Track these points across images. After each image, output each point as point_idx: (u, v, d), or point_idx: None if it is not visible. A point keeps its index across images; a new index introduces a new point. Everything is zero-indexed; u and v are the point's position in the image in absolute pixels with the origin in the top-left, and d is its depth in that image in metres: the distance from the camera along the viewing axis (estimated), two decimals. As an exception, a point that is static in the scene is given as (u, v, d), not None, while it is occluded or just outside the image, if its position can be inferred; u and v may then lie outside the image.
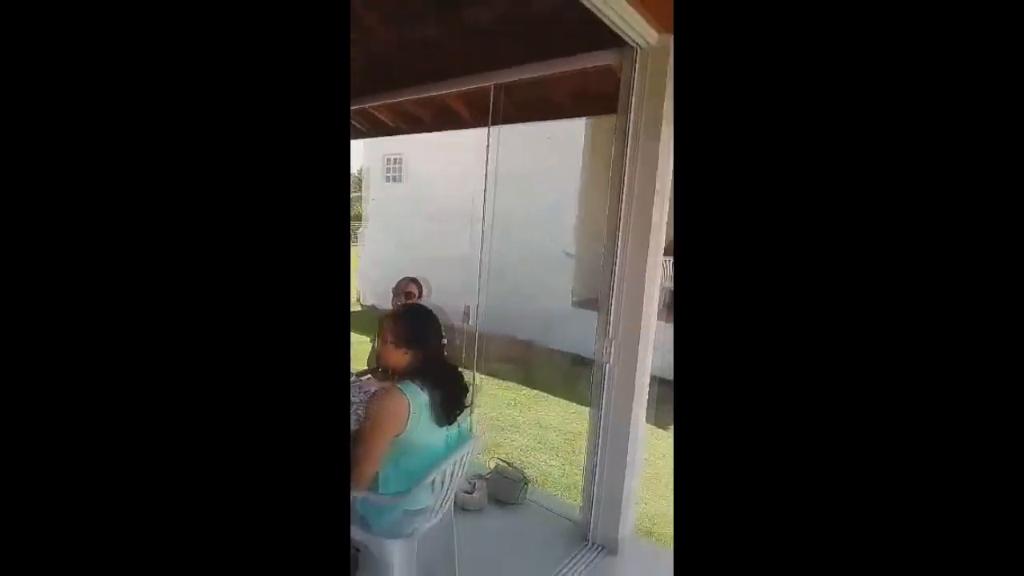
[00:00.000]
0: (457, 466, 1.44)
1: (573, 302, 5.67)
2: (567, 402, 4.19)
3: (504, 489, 2.24)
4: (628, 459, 1.87)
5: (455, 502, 2.15)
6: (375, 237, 9.07)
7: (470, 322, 2.43)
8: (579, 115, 2.64)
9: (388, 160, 8.91)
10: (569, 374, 4.71)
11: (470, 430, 1.56)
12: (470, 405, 1.44)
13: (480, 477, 2.30)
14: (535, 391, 4.41)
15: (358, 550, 1.47)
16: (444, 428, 1.38)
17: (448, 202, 3.22)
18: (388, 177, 8.96)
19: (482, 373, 4.73)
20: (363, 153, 9.72)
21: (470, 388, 1.44)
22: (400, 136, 4.28)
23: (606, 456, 1.92)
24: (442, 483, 1.40)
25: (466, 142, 3.07)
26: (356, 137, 3.76)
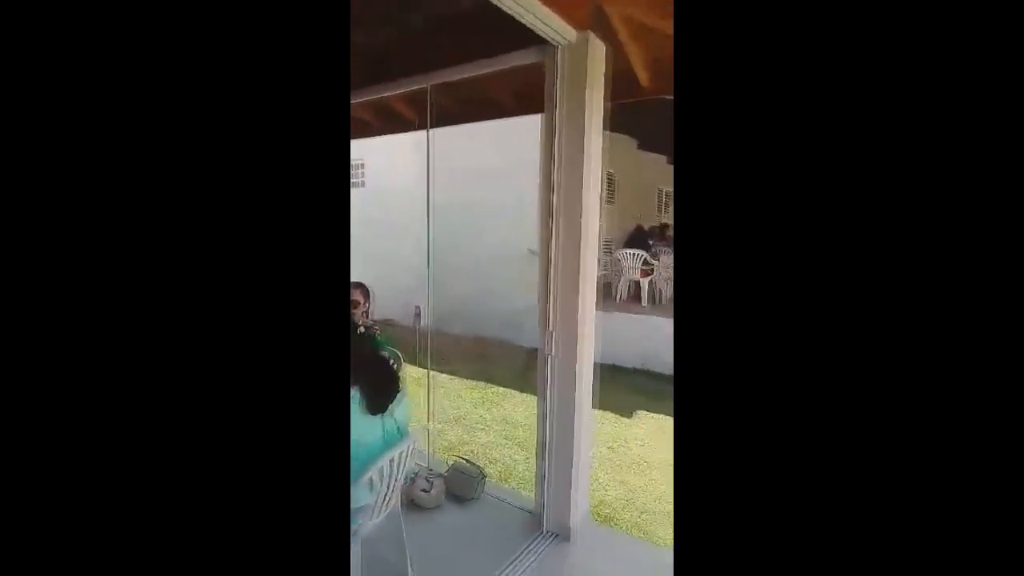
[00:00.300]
0: (395, 464, 1.46)
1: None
2: (534, 397, 4.23)
3: (461, 485, 2.27)
4: (574, 447, 1.92)
5: (412, 501, 2.17)
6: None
7: (422, 322, 2.44)
8: (523, 113, 2.68)
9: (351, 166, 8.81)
10: (536, 370, 4.74)
11: (407, 427, 1.58)
12: (401, 392, 1.46)
13: (437, 475, 2.32)
14: (503, 388, 4.44)
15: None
16: (379, 425, 1.40)
17: (409, 205, 3.23)
18: (352, 182, 8.87)
19: (449, 373, 4.74)
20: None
21: (400, 377, 1.47)
22: (363, 140, 4.27)
23: (553, 445, 1.96)
24: (380, 481, 1.42)
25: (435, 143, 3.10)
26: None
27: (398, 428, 1.50)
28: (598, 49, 1.80)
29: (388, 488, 1.48)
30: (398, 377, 1.46)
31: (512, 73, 2.17)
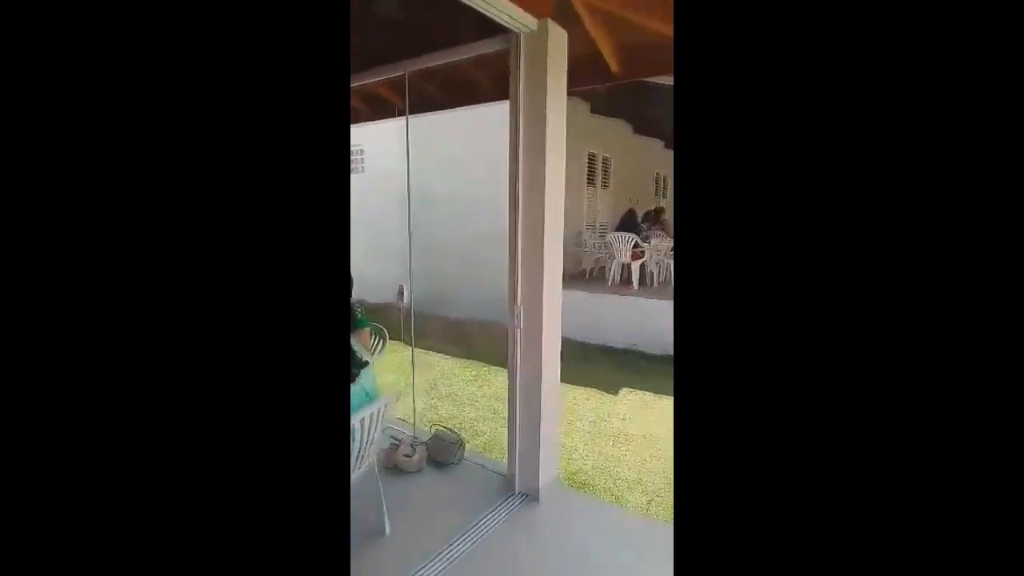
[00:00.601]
0: (366, 424, 1.60)
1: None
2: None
3: (441, 451, 2.42)
4: (541, 415, 2.05)
5: (396, 465, 2.33)
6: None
7: (404, 301, 2.57)
8: (502, 98, 2.77)
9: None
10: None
11: (376, 391, 1.72)
12: (365, 362, 1.59)
13: (420, 443, 2.47)
14: (496, 367, 4.59)
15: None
16: None
17: (396, 189, 3.35)
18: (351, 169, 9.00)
19: (447, 354, 4.90)
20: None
21: (358, 352, 1.59)
22: (363, 127, 4.38)
23: (522, 413, 2.10)
24: (352, 438, 1.56)
25: (423, 129, 3.21)
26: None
27: (366, 393, 1.64)
28: (558, 36, 1.88)
29: (361, 445, 1.63)
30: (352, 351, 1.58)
31: (490, 59, 2.27)
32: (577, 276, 6.47)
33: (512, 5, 1.73)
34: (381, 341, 2.60)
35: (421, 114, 3.02)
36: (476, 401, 3.85)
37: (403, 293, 2.64)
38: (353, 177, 8.92)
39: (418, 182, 2.75)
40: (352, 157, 8.92)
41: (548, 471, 2.17)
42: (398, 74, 2.47)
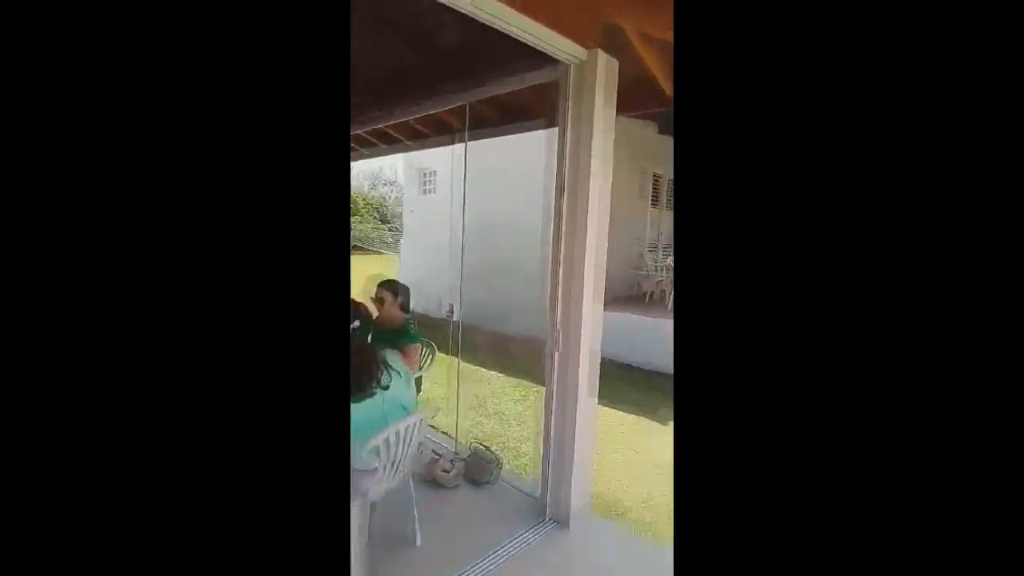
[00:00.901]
0: (402, 436, 1.67)
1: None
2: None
3: (478, 469, 2.45)
4: (575, 439, 2.03)
5: (434, 479, 2.39)
6: (412, 247, 9.58)
7: (454, 317, 2.67)
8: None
9: (423, 173, 9.41)
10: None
11: (414, 405, 1.79)
12: (378, 383, 1.65)
13: (459, 458, 2.52)
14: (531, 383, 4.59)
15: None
16: (378, 401, 1.62)
17: (450, 209, 3.50)
18: (424, 190, 9.46)
19: (498, 371, 4.96)
20: (402, 168, 10.31)
21: (379, 368, 1.66)
22: (437, 150, 4.67)
23: (555, 436, 2.09)
24: (387, 449, 1.64)
25: (494, 151, 3.36)
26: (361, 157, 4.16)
27: (403, 406, 1.71)
28: (608, 65, 1.91)
29: (395, 457, 1.70)
30: (375, 365, 1.65)
31: (546, 87, 2.34)
32: (636, 299, 6.32)
33: (561, 38, 1.79)
34: (431, 355, 2.70)
35: (483, 139, 3.16)
36: (523, 421, 3.86)
37: (452, 311, 2.74)
38: (425, 197, 9.38)
39: (478, 202, 2.86)
40: (425, 178, 9.39)
41: (580, 498, 2.13)
42: (459, 104, 2.61)
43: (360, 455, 1.60)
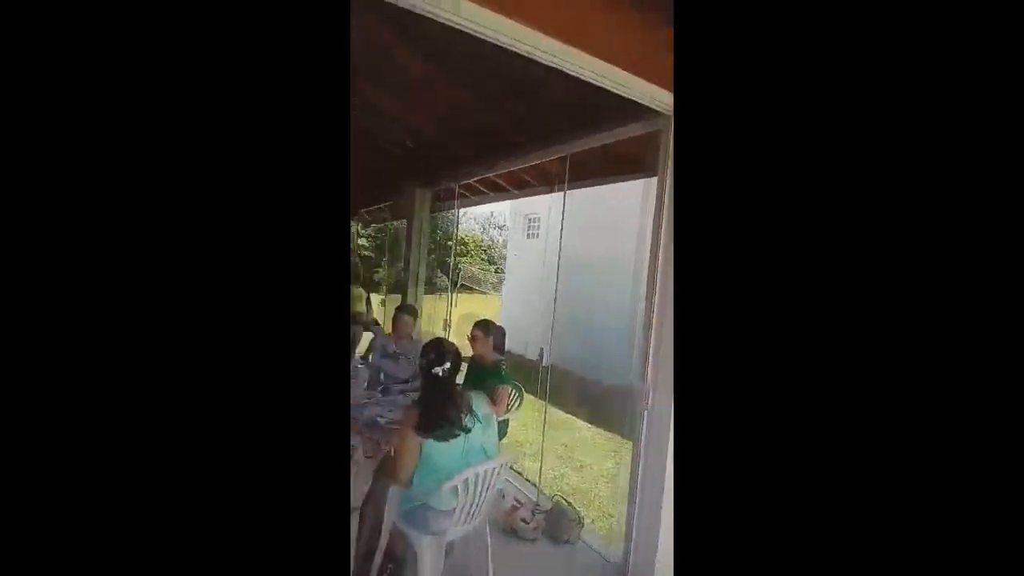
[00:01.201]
0: (481, 479, 1.68)
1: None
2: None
3: (558, 526, 2.35)
4: (663, 505, 1.87)
5: (513, 528, 2.34)
6: (512, 289, 9.85)
7: (544, 362, 2.67)
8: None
9: (528, 219, 9.75)
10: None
11: (496, 449, 1.78)
12: (459, 425, 1.66)
13: (541, 511, 2.45)
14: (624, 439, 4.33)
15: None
16: (460, 444, 1.64)
17: (546, 257, 3.57)
18: (528, 234, 9.78)
19: (589, 422, 4.80)
20: (509, 213, 10.81)
21: (464, 410, 1.67)
22: (543, 197, 4.88)
23: (641, 501, 1.94)
24: (465, 491, 1.65)
25: (599, 198, 3.44)
26: (467, 204, 4.43)
27: (484, 449, 1.72)
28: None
29: (473, 500, 1.70)
30: (461, 407, 1.67)
31: (647, 135, 2.35)
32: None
33: (663, 91, 1.79)
34: (519, 398, 2.70)
35: (586, 188, 3.22)
36: (613, 479, 3.65)
37: (542, 355, 2.74)
38: (529, 241, 9.68)
39: (575, 248, 2.89)
40: (530, 224, 9.72)
41: (665, 567, 1.93)
42: (560, 155, 2.70)
43: (439, 495, 1.62)
